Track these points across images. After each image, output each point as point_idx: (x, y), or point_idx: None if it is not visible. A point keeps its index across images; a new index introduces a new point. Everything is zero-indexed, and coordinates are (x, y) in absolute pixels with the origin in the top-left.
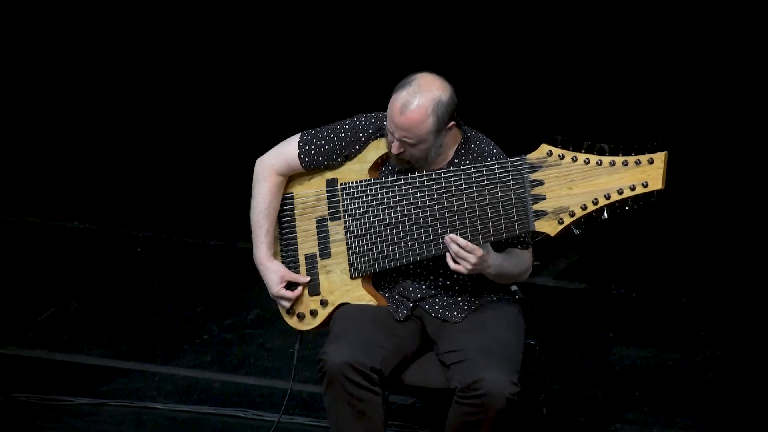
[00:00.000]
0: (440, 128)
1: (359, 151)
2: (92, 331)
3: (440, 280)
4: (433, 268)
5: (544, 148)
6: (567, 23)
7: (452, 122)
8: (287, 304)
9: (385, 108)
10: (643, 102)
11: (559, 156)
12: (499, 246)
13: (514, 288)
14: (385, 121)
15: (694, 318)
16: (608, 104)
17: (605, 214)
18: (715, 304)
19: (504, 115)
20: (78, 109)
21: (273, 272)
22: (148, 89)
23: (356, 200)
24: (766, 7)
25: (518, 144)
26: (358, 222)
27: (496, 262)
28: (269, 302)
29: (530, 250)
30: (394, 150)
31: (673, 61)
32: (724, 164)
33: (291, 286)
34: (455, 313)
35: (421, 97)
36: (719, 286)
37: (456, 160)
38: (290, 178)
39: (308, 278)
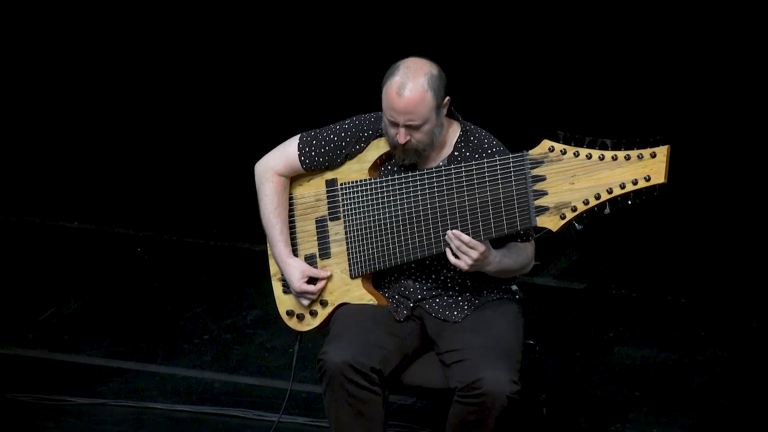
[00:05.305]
0: (439, 103)
1: (359, 151)
2: (92, 331)
3: (440, 280)
4: (433, 268)
5: (546, 143)
6: (569, 19)
7: (448, 98)
8: (310, 299)
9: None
10: (646, 99)
11: (561, 151)
12: (499, 240)
13: (514, 288)
14: (382, 120)
15: (694, 318)
16: (610, 99)
17: (607, 208)
18: (715, 304)
19: (506, 111)
20: (78, 109)
21: (294, 268)
22: (148, 89)
23: (356, 200)
24: (766, 5)
25: (520, 140)
26: (357, 221)
27: (497, 259)
28: (269, 302)
29: (532, 242)
30: (401, 140)
31: (676, 57)
32: (724, 164)
33: (311, 281)
34: (455, 313)
35: (414, 77)
36: (719, 286)
37: (456, 153)
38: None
39: (329, 272)
